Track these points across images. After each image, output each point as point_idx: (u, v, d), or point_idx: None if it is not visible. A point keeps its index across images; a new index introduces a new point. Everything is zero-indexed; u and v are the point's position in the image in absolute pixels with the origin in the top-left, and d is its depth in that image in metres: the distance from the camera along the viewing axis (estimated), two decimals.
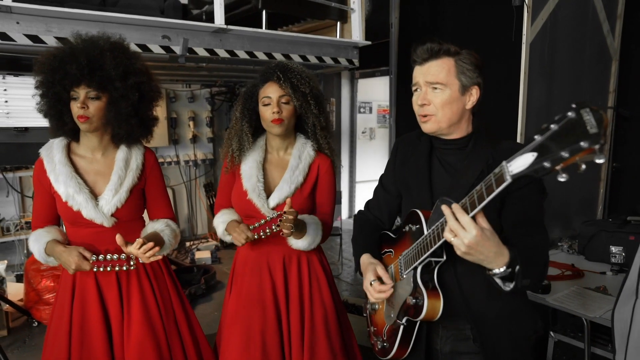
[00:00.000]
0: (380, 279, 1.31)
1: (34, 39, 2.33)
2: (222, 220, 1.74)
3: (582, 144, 0.74)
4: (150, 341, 1.63)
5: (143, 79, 1.60)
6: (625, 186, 3.18)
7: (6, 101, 2.56)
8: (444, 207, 1.04)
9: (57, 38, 2.36)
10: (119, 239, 1.44)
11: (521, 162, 0.84)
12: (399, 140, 1.51)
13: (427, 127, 1.28)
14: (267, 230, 1.59)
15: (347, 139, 6.03)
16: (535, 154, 0.82)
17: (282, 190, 1.66)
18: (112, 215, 1.60)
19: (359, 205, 5.81)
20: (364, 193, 6.11)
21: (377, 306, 1.46)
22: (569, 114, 0.77)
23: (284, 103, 1.64)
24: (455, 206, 1.03)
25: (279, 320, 1.69)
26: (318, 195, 1.75)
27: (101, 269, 1.50)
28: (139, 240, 1.45)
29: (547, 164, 0.79)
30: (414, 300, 1.21)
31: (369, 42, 3.47)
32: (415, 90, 1.30)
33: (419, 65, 1.28)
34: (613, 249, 2.43)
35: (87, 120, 1.53)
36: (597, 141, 0.73)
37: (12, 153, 2.58)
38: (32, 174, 1.69)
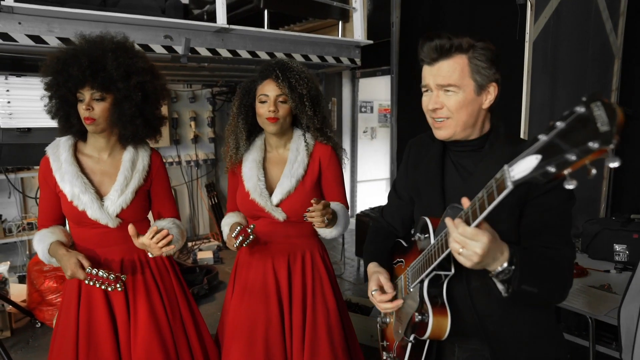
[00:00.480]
0: (382, 289, 1.25)
1: (36, 39, 2.32)
2: (226, 223, 1.74)
3: (591, 144, 0.64)
4: (157, 342, 1.63)
5: (146, 78, 1.59)
6: (629, 184, 3.17)
7: (9, 102, 2.55)
8: (448, 220, 0.95)
9: (59, 38, 2.36)
10: (131, 229, 1.43)
11: (524, 166, 0.74)
12: (411, 142, 1.41)
13: (442, 133, 1.17)
14: (240, 239, 1.54)
15: (348, 139, 6.02)
16: (539, 157, 0.71)
17: (284, 186, 1.66)
18: (117, 215, 1.59)
19: (360, 205, 5.80)
20: (366, 192, 6.11)
21: (387, 320, 1.39)
22: (578, 108, 0.66)
23: (281, 102, 1.63)
24: (457, 219, 0.94)
25: (282, 318, 1.69)
26: (326, 185, 1.74)
27: (91, 283, 1.45)
28: (152, 229, 1.44)
29: (551, 168, 0.69)
30: (419, 317, 1.12)
31: (371, 42, 3.47)
32: (426, 91, 1.18)
33: (428, 66, 1.15)
34: (617, 247, 2.43)
35: (93, 122, 1.53)
36: (608, 141, 0.63)
37: (15, 154, 2.57)
38: (37, 174, 1.68)
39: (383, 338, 1.43)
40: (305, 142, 1.70)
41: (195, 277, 3.86)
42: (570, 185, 0.68)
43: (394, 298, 1.24)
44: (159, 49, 2.67)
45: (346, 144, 5.99)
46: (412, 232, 1.30)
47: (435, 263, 1.04)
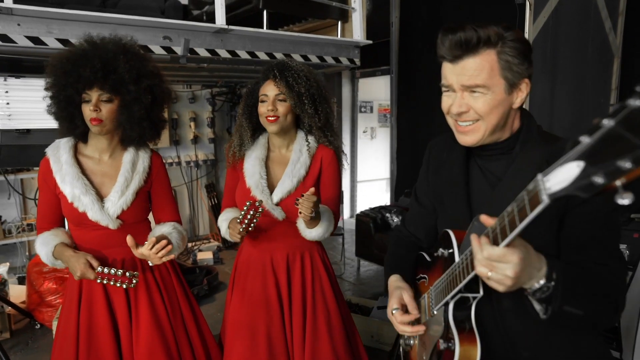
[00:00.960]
0: (404, 308, 1.12)
1: (35, 40, 2.32)
2: (224, 219, 1.74)
3: None
4: (160, 344, 1.62)
5: (155, 82, 1.61)
6: (629, 183, 3.17)
7: (8, 103, 2.55)
8: (473, 237, 0.82)
9: (58, 40, 2.36)
10: (129, 240, 1.43)
11: (563, 176, 0.60)
12: (432, 143, 1.28)
13: (468, 139, 1.03)
14: (249, 216, 1.52)
15: (348, 139, 6.02)
16: (582, 164, 0.57)
17: (285, 185, 1.66)
18: (118, 217, 1.59)
19: (361, 205, 5.80)
20: (366, 192, 6.11)
21: (411, 341, 1.24)
22: (632, 102, 0.52)
23: (281, 101, 1.64)
24: (482, 239, 0.81)
25: (282, 317, 1.69)
26: (322, 186, 1.74)
27: (104, 282, 1.48)
28: (151, 240, 1.45)
29: (599, 179, 0.55)
30: (445, 345, 0.99)
31: (370, 42, 3.47)
32: (447, 91, 1.03)
33: (450, 63, 0.99)
34: None
35: (100, 123, 1.53)
36: None
37: (14, 155, 2.57)
38: (37, 175, 1.68)
39: None
40: (307, 142, 1.70)
41: (195, 277, 3.86)
42: (624, 200, 0.54)
43: (417, 320, 1.12)
44: (158, 50, 2.67)
45: (346, 144, 5.99)
46: (436, 245, 1.15)
47: (461, 285, 0.92)
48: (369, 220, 3.93)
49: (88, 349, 1.58)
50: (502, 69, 0.96)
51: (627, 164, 0.52)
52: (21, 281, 3.71)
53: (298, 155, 1.69)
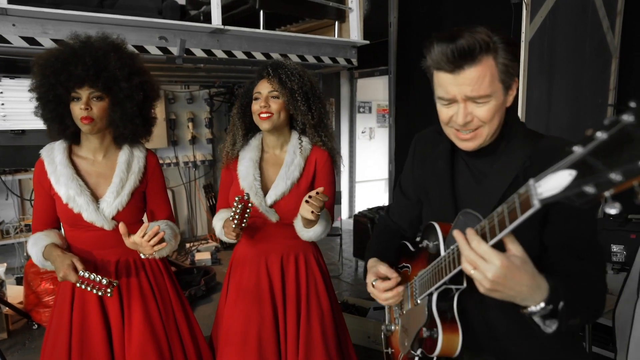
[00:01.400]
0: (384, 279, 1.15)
1: (30, 41, 2.32)
2: (219, 219, 1.73)
3: None
4: (152, 344, 1.61)
5: (146, 79, 1.60)
6: None
7: (2, 104, 2.55)
8: (456, 233, 0.84)
9: (53, 40, 2.36)
10: (122, 227, 1.42)
11: (554, 183, 0.63)
12: (417, 137, 1.29)
13: (471, 145, 1.02)
14: (238, 213, 1.50)
15: (346, 139, 6.01)
16: (573, 173, 0.60)
17: (279, 187, 1.66)
18: (113, 218, 1.58)
19: (359, 205, 5.79)
20: (364, 193, 6.10)
21: (392, 327, 1.31)
22: (626, 117, 0.55)
23: (273, 97, 1.64)
24: (470, 232, 0.82)
25: (276, 320, 1.69)
26: (317, 188, 1.73)
27: (83, 286, 1.43)
28: (144, 226, 1.43)
29: (589, 189, 0.58)
30: (428, 333, 1.03)
31: (367, 42, 3.46)
32: (447, 103, 1.01)
33: (449, 74, 0.96)
34: (614, 247, 2.42)
35: (92, 121, 1.51)
36: None
37: (9, 156, 2.58)
38: (32, 176, 1.67)
39: (388, 345, 1.35)
40: (300, 142, 1.69)
41: (193, 278, 3.86)
42: (612, 210, 0.57)
43: (399, 307, 1.15)
44: (153, 50, 2.66)
45: (344, 145, 5.99)
46: (420, 237, 1.17)
47: (446, 278, 0.94)
48: (367, 221, 3.92)
49: (80, 348, 1.57)
50: (500, 72, 0.96)
51: (618, 177, 0.55)
52: (19, 282, 3.71)
53: (292, 157, 1.69)
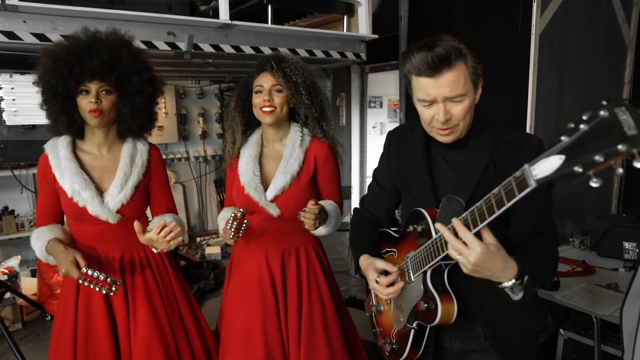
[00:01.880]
0: (384, 274, 1.25)
1: (41, 37, 2.36)
2: (222, 218, 1.74)
3: (620, 147, 0.68)
4: (157, 338, 1.64)
5: (154, 74, 1.64)
6: None
7: (14, 99, 2.60)
8: (439, 226, 1.01)
9: (63, 36, 2.39)
10: (136, 225, 1.45)
11: (547, 166, 0.77)
12: (391, 133, 1.43)
13: (450, 138, 1.17)
14: (234, 228, 1.54)
15: (357, 134, 5.98)
16: (562, 157, 0.75)
17: (278, 182, 1.66)
18: (118, 211, 1.60)
19: None
20: None
21: (382, 307, 1.41)
22: (602, 112, 0.71)
23: (276, 91, 1.64)
24: (455, 222, 0.98)
25: (278, 314, 1.70)
26: (322, 184, 1.73)
27: (85, 283, 1.44)
28: (160, 222, 1.46)
29: (577, 168, 0.72)
30: (425, 305, 1.16)
31: (376, 36, 3.44)
32: (428, 105, 1.14)
33: (430, 78, 1.09)
34: (626, 244, 2.37)
35: (100, 114, 1.53)
36: (636, 144, 0.67)
37: (20, 150, 2.63)
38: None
39: (376, 324, 1.46)
40: (301, 134, 1.69)
41: (203, 272, 3.89)
42: (595, 184, 0.72)
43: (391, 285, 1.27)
44: (162, 46, 2.68)
45: (355, 140, 5.96)
46: (404, 223, 1.30)
47: (439, 258, 1.09)
48: None
49: (86, 343, 1.59)
50: (471, 74, 1.11)
51: (600, 158, 0.70)
52: (33, 274, 3.78)
53: (291, 150, 1.68)
